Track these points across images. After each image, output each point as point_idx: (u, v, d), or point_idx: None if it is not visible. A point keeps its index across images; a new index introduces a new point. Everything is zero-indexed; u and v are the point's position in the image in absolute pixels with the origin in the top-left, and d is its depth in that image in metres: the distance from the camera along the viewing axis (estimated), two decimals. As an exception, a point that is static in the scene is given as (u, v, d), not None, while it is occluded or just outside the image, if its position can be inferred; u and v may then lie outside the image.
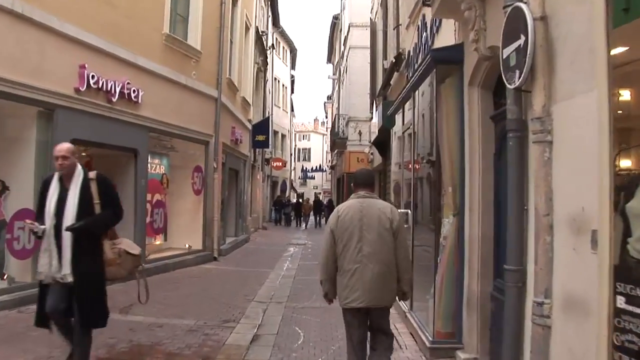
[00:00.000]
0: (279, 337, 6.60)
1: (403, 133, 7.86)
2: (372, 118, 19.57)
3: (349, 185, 26.14)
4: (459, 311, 5.54)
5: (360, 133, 25.39)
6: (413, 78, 6.97)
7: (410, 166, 8.02)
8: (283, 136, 42.75)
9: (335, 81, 36.91)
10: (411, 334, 6.65)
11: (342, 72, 31.22)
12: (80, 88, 8.74)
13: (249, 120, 20.54)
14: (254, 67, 21.96)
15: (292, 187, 52.43)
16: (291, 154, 57.16)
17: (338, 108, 31.47)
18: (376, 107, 11.88)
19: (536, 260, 3.45)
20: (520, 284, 3.71)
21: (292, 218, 32.88)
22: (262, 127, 21.74)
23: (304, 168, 64.70)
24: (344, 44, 29.35)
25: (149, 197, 12.17)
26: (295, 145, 69.87)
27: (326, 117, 62.47)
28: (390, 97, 11.36)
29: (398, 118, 9.15)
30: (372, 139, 12.42)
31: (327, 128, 60.12)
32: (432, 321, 5.88)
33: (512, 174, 3.82)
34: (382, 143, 13.08)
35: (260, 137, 21.40)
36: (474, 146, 5.39)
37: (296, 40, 49.47)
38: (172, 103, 11.84)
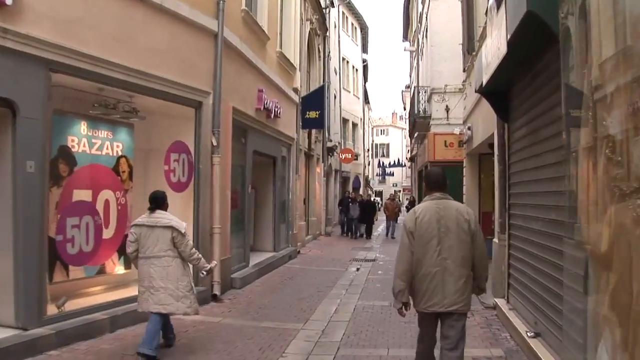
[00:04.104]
0: None
1: None
2: (465, 80, 13.64)
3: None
4: None
5: (447, 109, 19.26)
6: None
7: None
8: (354, 125, 37.01)
9: (413, 54, 30.69)
10: None
11: (421, 39, 25.11)
12: None
13: (295, 90, 14.96)
14: (302, 22, 16.41)
15: (367, 184, 46.45)
16: (368, 149, 51.70)
17: (417, 82, 25.29)
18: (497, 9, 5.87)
19: None
20: None
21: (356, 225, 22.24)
22: (314, 101, 16.09)
23: (381, 163, 58.92)
24: (422, 1, 23.32)
25: (86, 195, 6.99)
26: (373, 141, 65.04)
27: (404, 109, 56.55)
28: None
29: None
30: (484, 81, 6.43)
31: (405, 120, 54.31)
32: None
33: None
34: (500, 93, 7.07)
35: (312, 114, 15.77)
36: None
37: (370, 25, 43.94)
38: (110, 24, 6.45)
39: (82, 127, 7.07)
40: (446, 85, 17.23)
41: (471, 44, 12.41)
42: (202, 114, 8.24)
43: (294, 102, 14.92)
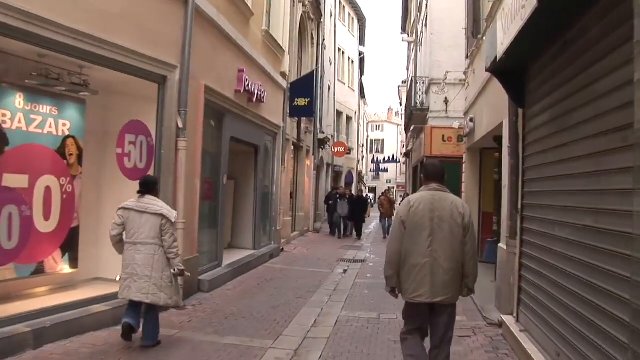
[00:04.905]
0: None
1: None
2: (468, 67, 12.59)
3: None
4: None
5: (446, 101, 18.17)
6: None
7: None
8: (349, 118, 35.88)
9: (412, 45, 29.52)
10: None
11: (420, 29, 23.98)
12: None
13: (283, 75, 13.82)
14: (293, 3, 15.26)
15: (361, 180, 45.39)
16: (362, 144, 50.58)
17: (415, 73, 24.12)
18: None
19: None
20: None
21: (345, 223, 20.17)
22: (304, 87, 14.96)
23: (375, 159, 57.86)
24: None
25: (20, 180, 5.90)
26: (368, 136, 64.07)
27: (400, 105, 55.56)
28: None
29: None
30: (500, 53, 5.33)
31: (401, 117, 53.31)
32: None
33: None
34: (515, 73, 5.98)
35: (301, 101, 14.66)
36: None
37: (367, 19, 42.55)
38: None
39: (17, 99, 5.91)
40: (447, 72, 16.04)
41: (477, 26, 11.36)
42: (166, 91, 7.08)
43: (281, 88, 13.78)
